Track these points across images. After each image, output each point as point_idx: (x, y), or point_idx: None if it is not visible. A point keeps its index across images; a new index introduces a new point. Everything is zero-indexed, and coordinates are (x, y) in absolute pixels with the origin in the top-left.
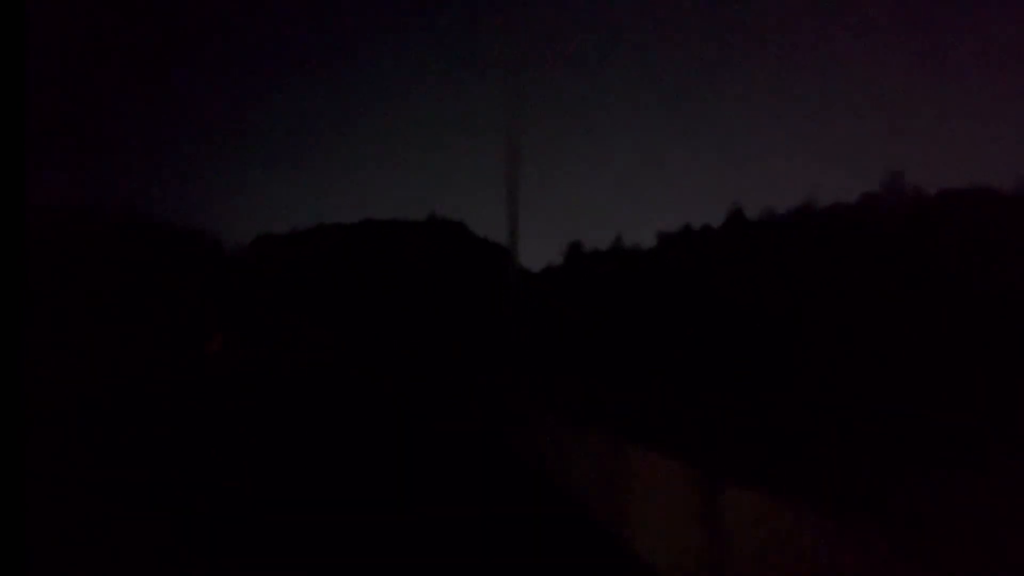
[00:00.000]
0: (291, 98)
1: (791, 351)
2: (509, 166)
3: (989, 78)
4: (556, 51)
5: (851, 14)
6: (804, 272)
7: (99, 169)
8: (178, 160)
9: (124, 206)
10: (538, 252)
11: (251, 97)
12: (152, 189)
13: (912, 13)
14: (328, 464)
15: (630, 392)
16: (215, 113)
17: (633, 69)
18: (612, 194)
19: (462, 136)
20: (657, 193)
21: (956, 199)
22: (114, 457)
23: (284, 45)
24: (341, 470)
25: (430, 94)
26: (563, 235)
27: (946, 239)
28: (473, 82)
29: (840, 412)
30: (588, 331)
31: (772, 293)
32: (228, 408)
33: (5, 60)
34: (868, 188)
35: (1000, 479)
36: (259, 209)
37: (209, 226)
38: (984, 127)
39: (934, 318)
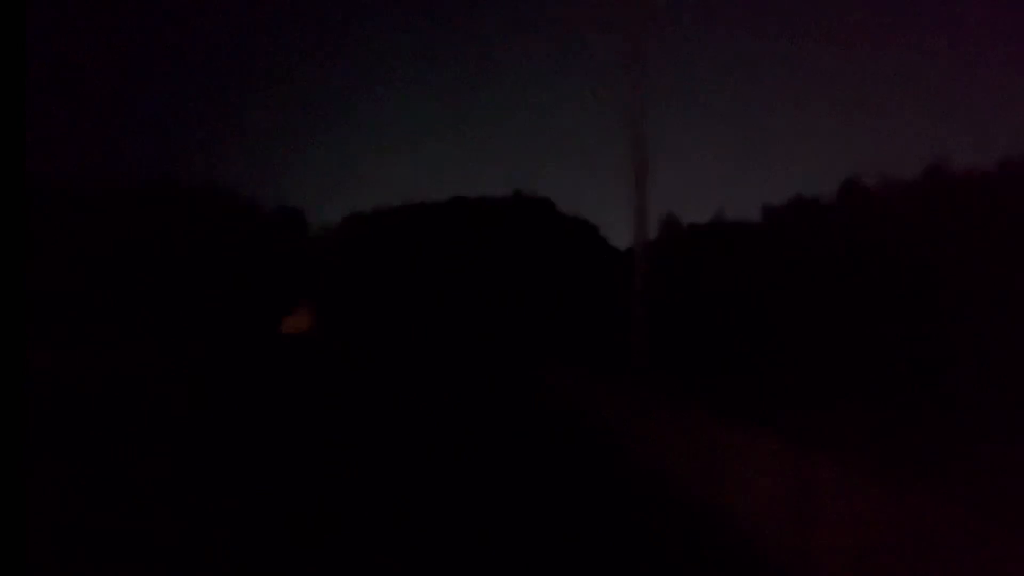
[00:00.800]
0: (377, 74)
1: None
2: (633, 132)
3: None
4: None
5: None
6: (934, 242)
7: (180, 141)
8: (261, 135)
9: (205, 180)
10: (626, 228)
11: (339, 72)
12: (235, 164)
13: None
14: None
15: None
16: (301, 91)
17: (726, 33)
18: (711, 167)
19: (548, 110)
20: (761, 165)
21: None
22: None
23: (372, 16)
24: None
25: (517, 66)
26: (656, 210)
27: None
28: (561, 51)
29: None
30: (678, 312)
31: (893, 266)
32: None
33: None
34: (1003, 152)
35: None
36: (346, 188)
37: (294, 203)
38: None
39: None
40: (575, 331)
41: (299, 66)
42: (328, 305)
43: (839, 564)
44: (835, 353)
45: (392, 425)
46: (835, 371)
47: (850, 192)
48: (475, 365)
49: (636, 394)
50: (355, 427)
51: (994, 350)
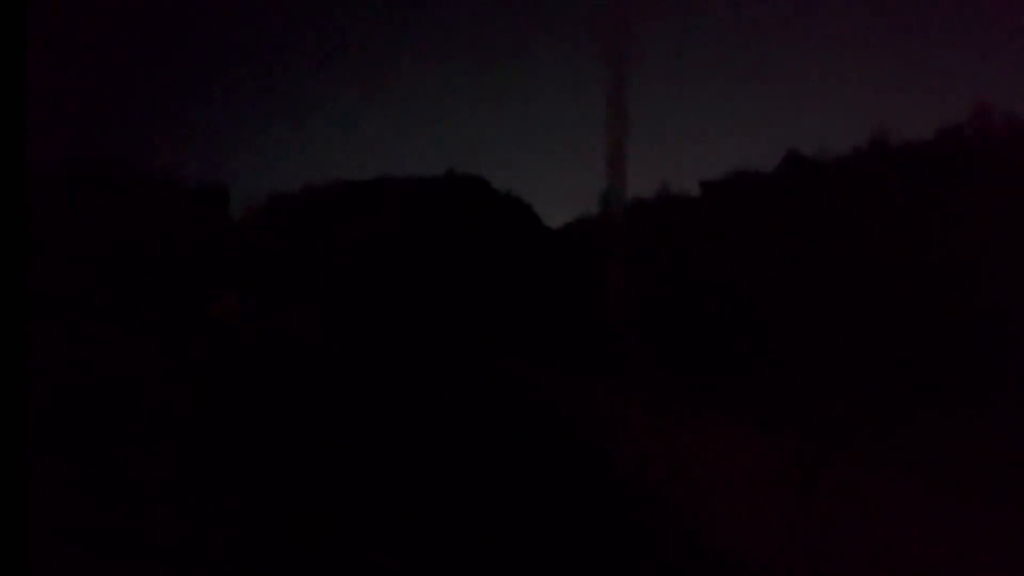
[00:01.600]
0: (303, 49)
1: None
2: (613, 91)
3: None
4: None
5: None
6: (878, 216)
7: (89, 119)
8: (181, 111)
9: (117, 160)
10: (565, 205)
11: (262, 49)
12: (150, 142)
13: None
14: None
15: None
16: (224, 64)
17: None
18: (652, 141)
19: (479, 86)
20: (699, 140)
21: None
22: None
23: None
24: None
25: (445, 39)
26: (594, 187)
27: None
28: (487, 22)
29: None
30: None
31: (832, 242)
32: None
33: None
34: (946, 121)
35: None
36: (271, 166)
37: (215, 182)
38: None
39: None
40: (519, 316)
41: (219, 37)
42: (254, 288)
43: None
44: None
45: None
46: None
47: (793, 164)
48: (422, 356)
49: (640, 399)
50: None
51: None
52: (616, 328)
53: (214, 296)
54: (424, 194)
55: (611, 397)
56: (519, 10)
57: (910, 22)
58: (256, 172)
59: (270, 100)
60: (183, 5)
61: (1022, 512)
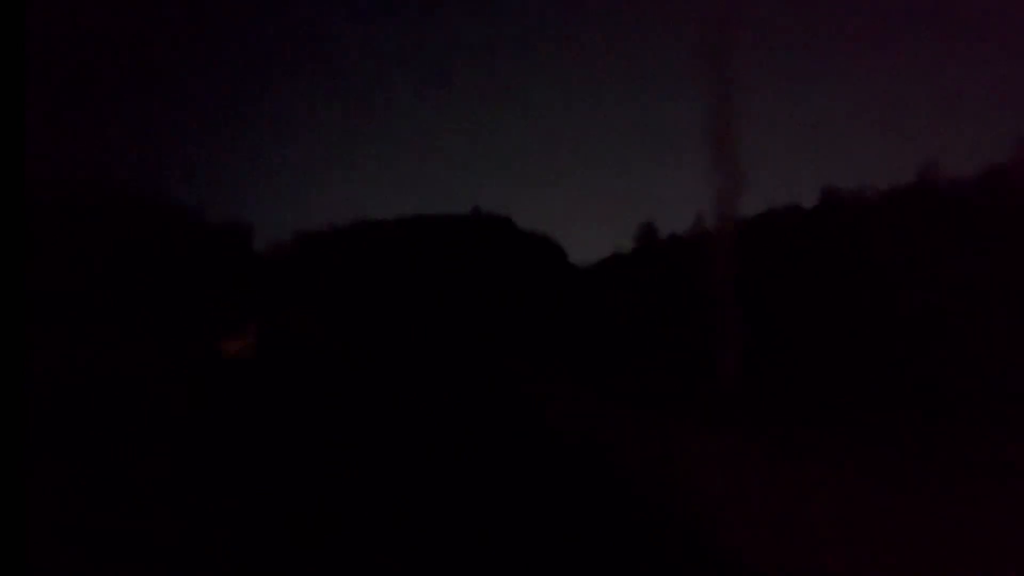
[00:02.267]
0: (332, 92)
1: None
2: (720, 114)
3: None
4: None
5: None
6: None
7: (129, 155)
8: (209, 150)
9: (148, 192)
10: (593, 243)
11: (291, 91)
12: (179, 177)
13: None
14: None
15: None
16: (253, 106)
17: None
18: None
19: (507, 126)
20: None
21: None
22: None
23: (329, 30)
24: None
25: (473, 82)
26: (627, 221)
27: None
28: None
29: None
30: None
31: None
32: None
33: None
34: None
35: None
36: (298, 205)
37: (241, 219)
38: None
39: None
40: (552, 347)
41: (251, 79)
42: (275, 327)
43: None
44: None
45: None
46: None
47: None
48: (452, 398)
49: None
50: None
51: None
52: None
53: (231, 334)
54: (450, 232)
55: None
56: (548, 46)
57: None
58: (282, 210)
59: (296, 138)
60: (218, 44)
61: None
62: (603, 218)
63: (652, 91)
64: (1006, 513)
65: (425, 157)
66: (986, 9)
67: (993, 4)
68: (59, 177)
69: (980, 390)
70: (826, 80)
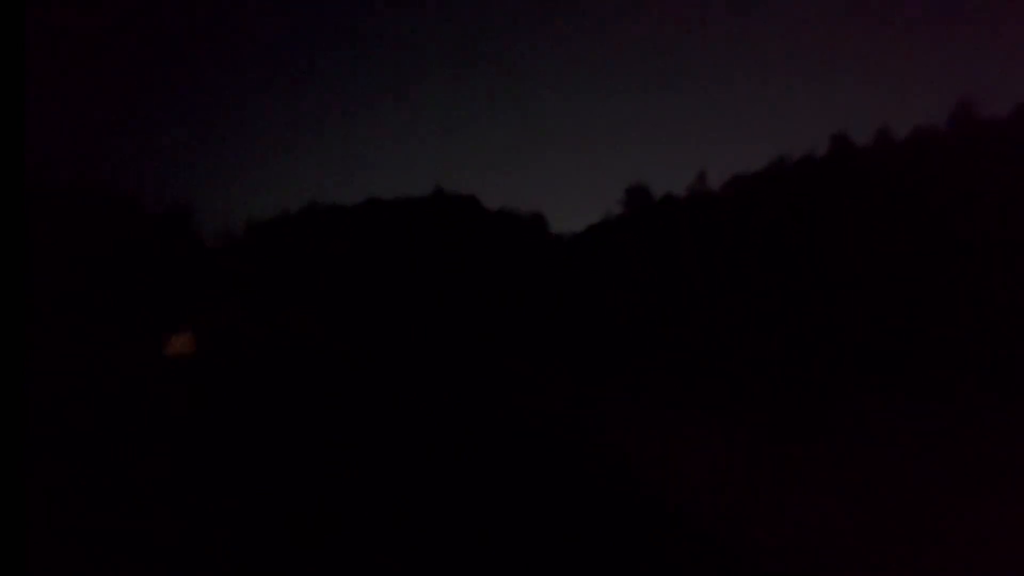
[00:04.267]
0: (282, 70)
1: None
2: None
3: None
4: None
5: None
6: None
7: (55, 139)
8: (147, 130)
9: (79, 176)
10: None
11: (239, 68)
12: (115, 161)
13: None
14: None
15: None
16: (198, 81)
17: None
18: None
19: (468, 101)
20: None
21: None
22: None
23: (279, 6)
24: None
25: (431, 57)
26: (615, 184)
27: None
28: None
29: None
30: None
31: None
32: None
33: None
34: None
35: None
36: (247, 191)
37: (181, 205)
38: None
39: None
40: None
41: (197, 58)
42: (222, 324)
43: None
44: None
45: None
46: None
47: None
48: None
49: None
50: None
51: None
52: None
53: (168, 334)
54: (412, 215)
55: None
56: (508, 15)
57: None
58: (228, 195)
59: (242, 119)
60: (161, 19)
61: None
62: (587, 184)
63: (630, 29)
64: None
65: (382, 134)
66: None
67: None
68: None
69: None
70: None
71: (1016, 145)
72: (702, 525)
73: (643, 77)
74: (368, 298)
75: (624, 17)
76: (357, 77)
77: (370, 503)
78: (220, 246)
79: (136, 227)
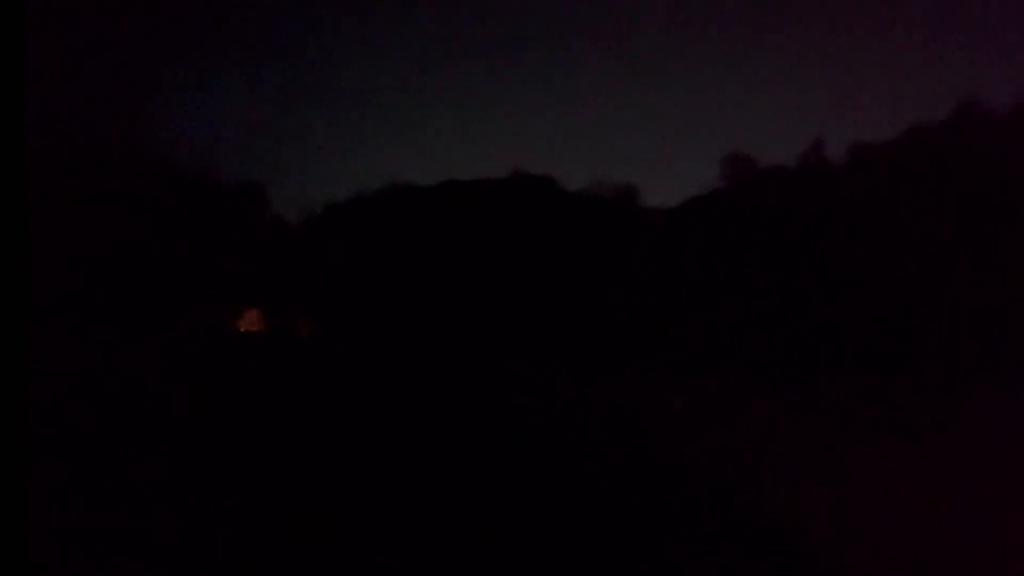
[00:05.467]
0: (359, 48)
1: None
2: None
3: None
4: None
5: None
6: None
7: (119, 107)
8: (223, 106)
9: (145, 152)
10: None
11: (310, 40)
12: (187, 136)
13: None
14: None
15: None
16: (268, 58)
17: None
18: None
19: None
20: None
21: None
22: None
23: None
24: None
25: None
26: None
27: None
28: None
29: None
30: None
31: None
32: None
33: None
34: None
35: None
36: (322, 171)
37: (250, 179)
38: None
39: None
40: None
41: (266, 31)
42: (294, 304)
43: None
44: None
45: None
46: None
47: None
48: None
49: None
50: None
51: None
52: None
53: (235, 314)
54: (488, 198)
55: None
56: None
57: None
58: (300, 172)
59: (320, 98)
60: None
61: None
62: (679, 153)
63: None
64: None
65: (457, 114)
66: None
67: None
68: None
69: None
70: None
71: None
72: (720, 522)
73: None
74: (443, 287)
75: None
76: (434, 51)
77: (370, 502)
78: (296, 226)
79: (206, 203)
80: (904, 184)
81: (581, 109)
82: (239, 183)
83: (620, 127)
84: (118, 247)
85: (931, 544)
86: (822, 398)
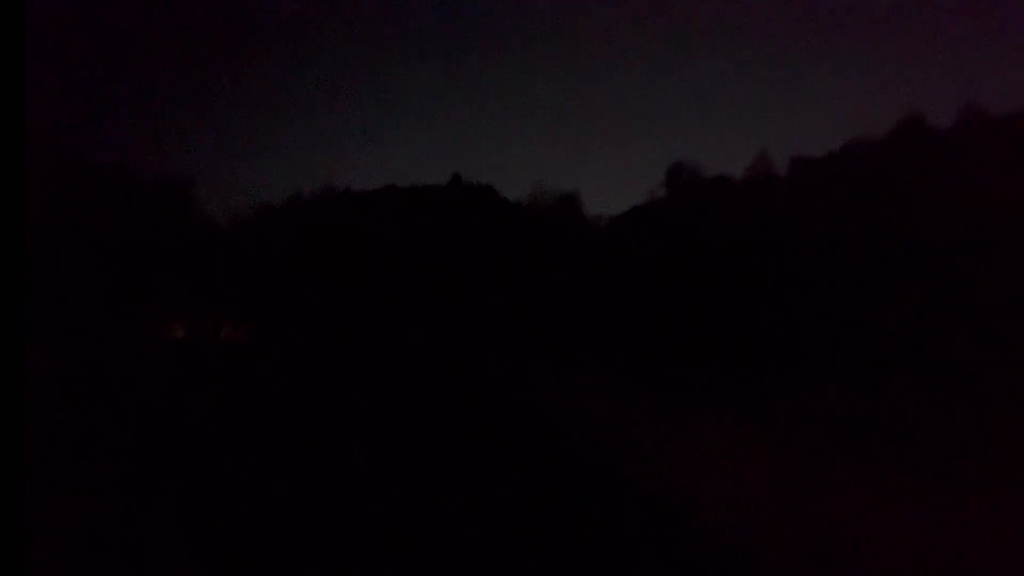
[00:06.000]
0: (297, 50)
1: None
2: None
3: None
4: None
5: None
6: None
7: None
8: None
9: (56, 145)
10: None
11: (250, 41)
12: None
13: None
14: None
15: None
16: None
17: None
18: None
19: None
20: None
21: None
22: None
23: None
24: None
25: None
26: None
27: None
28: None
29: None
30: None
31: None
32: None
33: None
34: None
35: None
36: (254, 172)
37: (178, 178)
38: None
39: None
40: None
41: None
42: (222, 309)
43: None
44: None
45: None
46: None
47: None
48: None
49: None
50: None
51: None
52: None
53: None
54: (429, 205)
55: None
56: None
57: None
58: (230, 172)
59: (257, 99)
60: None
61: None
62: (622, 163)
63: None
64: None
65: (398, 116)
66: None
67: None
68: None
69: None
70: None
71: None
72: (699, 530)
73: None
74: (378, 291)
75: None
76: (374, 49)
77: (369, 502)
78: (226, 228)
79: (126, 202)
80: (845, 196)
81: (524, 114)
82: (164, 181)
83: (562, 134)
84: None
85: (889, 563)
86: (771, 410)
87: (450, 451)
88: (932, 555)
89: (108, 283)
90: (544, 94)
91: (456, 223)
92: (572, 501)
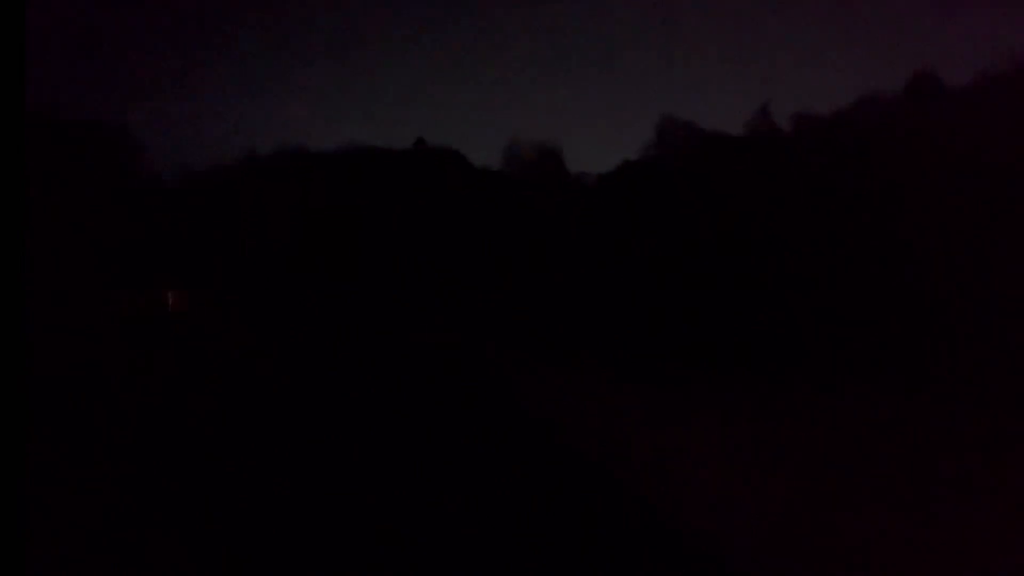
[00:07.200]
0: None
1: None
2: None
3: None
4: None
5: None
6: None
7: None
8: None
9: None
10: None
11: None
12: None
13: None
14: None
15: None
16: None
17: None
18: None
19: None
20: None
21: None
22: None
23: None
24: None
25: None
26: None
27: None
28: None
29: None
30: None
31: None
32: None
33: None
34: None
35: None
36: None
37: (127, 130)
38: None
39: None
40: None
41: None
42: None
43: None
44: None
45: None
46: None
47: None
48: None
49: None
50: None
51: None
52: None
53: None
54: (390, 167)
55: None
56: None
57: None
58: (183, 126)
59: (209, 52)
60: None
61: None
62: (605, 117)
63: None
64: None
65: (361, 75)
66: None
67: None
68: None
69: None
70: None
71: None
72: (693, 530)
73: None
74: (340, 264)
75: None
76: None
77: (365, 500)
78: (176, 187)
79: (57, 150)
80: (854, 156)
81: (498, 69)
82: (106, 129)
83: (541, 86)
84: None
85: (887, 564)
86: (769, 409)
87: (442, 452)
88: (931, 555)
89: (35, 245)
90: (517, 43)
91: (422, 190)
92: (565, 501)
